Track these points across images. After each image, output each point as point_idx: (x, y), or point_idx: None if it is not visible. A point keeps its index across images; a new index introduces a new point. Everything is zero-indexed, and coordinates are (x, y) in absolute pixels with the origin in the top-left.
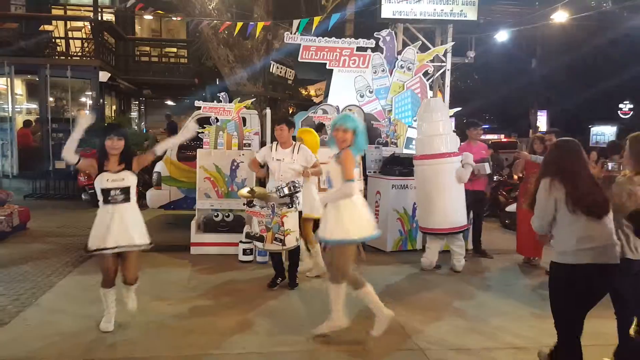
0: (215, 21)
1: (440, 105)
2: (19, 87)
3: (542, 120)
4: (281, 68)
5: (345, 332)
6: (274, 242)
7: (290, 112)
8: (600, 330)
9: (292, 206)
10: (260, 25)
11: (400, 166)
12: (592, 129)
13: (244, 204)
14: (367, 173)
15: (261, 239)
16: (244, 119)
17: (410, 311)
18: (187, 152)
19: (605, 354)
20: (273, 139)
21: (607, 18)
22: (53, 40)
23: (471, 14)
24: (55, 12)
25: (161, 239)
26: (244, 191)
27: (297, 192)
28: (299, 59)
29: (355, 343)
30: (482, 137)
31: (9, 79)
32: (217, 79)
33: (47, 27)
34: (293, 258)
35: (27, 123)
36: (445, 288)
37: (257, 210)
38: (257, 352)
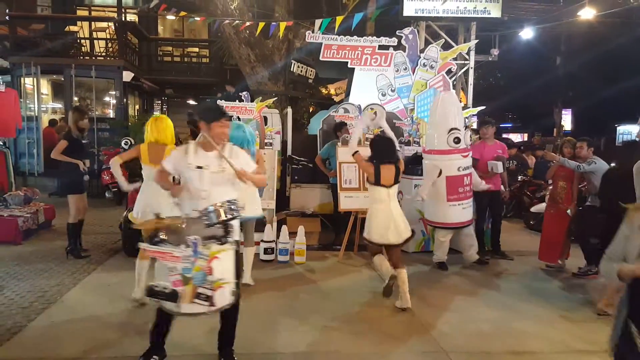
0: (237, 21)
1: (449, 100)
2: (45, 87)
3: (566, 119)
4: (302, 67)
5: (370, 332)
6: (195, 300)
7: (310, 110)
8: None
9: (227, 240)
10: (282, 25)
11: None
12: (618, 127)
13: (142, 240)
14: None
15: (173, 296)
16: (265, 118)
17: (433, 313)
18: None
19: None
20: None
21: (635, 14)
22: (78, 40)
23: (495, 11)
24: (80, 13)
25: None
26: (140, 219)
27: (235, 217)
28: (321, 58)
29: (380, 343)
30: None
31: (35, 79)
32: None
33: (72, 28)
34: (229, 321)
35: (52, 122)
36: (468, 290)
37: (167, 249)
38: (282, 352)
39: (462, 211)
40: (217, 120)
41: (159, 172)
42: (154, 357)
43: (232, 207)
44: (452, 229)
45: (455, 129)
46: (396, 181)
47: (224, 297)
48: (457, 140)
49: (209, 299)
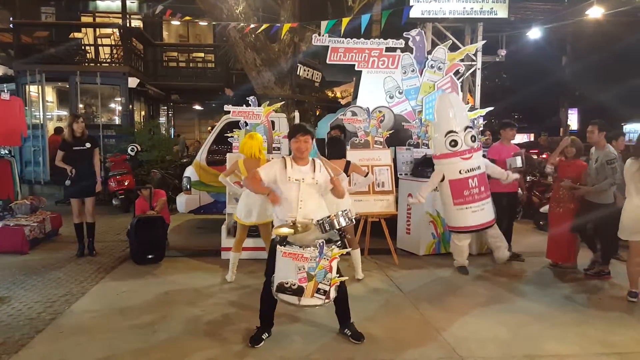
0: (241, 24)
1: (445, 102)
2: (50, 95)
3: (572, 119)
4: (308, 70)
5: (384, 337)
6: (315, 295)
7: (317, 114)
8: None
9: (344, 244)
10: (286, 26)
11: (432, 168)
12: (624, 126)
13: (276, 242)
14: (398, 175)
15: (299, 291)
16: (272, 123)
17: (447, 318)
18: (217, 156)
19: None
20: None
21: None
22: (83, 47)
23: (502, 12)
24: (84, 19)
25: (192, 243)
26: (284, 230)
27: (349, 224)
28: (327, 61)
29: (393, 348)
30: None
31: (40, 87)
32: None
33: (77, 35)
34: (342, 304)
35: (58, 130)
36: (480, 293)
37: (298, 251)
38: (295, 358)
39: (472, 214)
40: (293, 137)
41: (251, 178)
42: (265, 333)
43: (347, 215)
44: (466, 232)
45: (452, 131)
46: None
47: (333, 292)
48: (454, 144)
49: (325, 293)
